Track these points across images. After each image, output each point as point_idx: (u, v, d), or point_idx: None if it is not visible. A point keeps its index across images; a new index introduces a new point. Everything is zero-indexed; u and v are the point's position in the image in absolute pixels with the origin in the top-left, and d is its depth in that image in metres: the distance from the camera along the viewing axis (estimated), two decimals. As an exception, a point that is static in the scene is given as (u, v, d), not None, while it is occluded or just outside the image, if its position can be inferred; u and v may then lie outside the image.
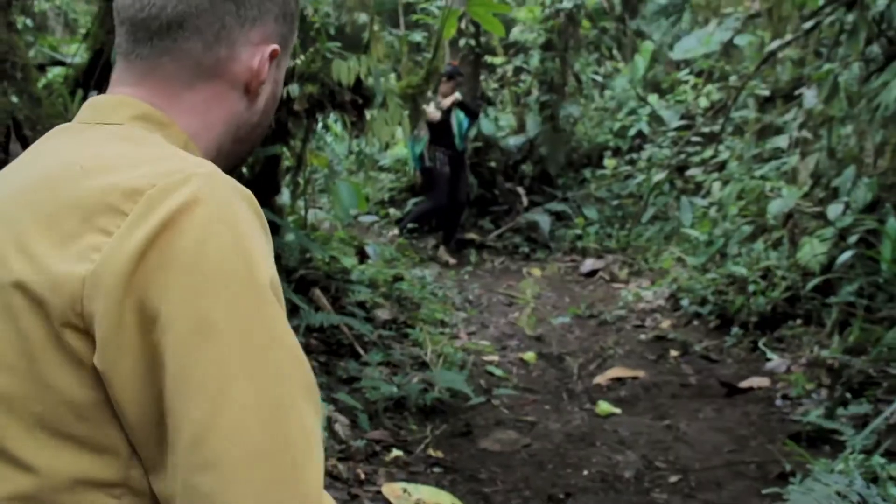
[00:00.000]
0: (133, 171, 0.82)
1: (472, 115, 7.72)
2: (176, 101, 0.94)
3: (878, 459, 2.77)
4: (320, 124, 5.22)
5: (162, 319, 0.76)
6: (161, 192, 0.79)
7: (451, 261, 7.77)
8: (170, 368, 0.76)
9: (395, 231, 8.08)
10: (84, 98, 3.85)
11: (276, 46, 0.98)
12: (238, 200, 0.83)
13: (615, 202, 8.51)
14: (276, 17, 0.98)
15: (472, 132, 7.87)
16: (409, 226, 7.88)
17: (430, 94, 7.70)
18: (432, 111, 7.51)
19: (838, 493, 2.32)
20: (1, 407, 0.79)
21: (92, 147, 0.88)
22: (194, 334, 0.75)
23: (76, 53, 4.17)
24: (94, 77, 3.89)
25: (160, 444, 0.78)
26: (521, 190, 8.61)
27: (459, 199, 7.90)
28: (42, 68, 4.47)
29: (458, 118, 7.62)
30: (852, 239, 5.08)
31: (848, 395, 3.99)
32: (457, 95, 7.61)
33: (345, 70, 3.92)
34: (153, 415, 0.78)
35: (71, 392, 0.78)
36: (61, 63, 4.42)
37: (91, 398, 0.78)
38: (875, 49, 5.88)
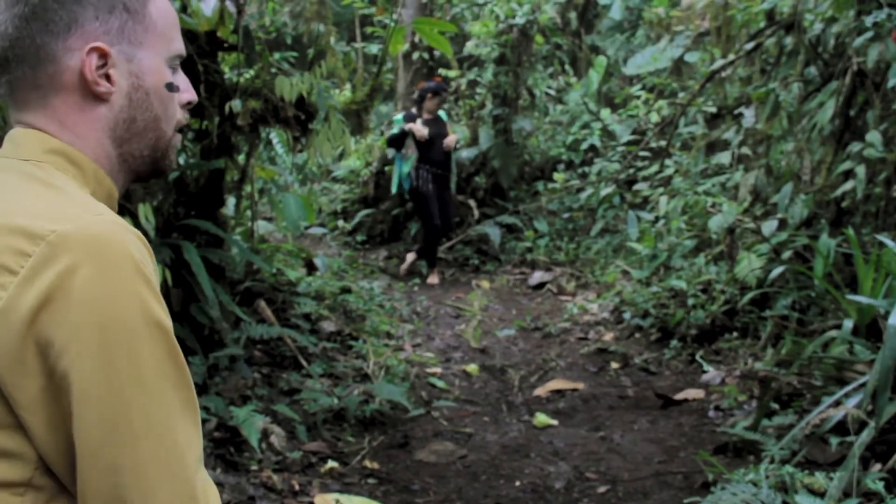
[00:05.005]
0: (36, 215, 0.91)
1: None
2: (49, 123, 1.02)
3: (788, 468, 2.88)
4: (265, 139, 5.26)
5: (67, 358, 0.87)
6: (60, 239, 0.88)
7: (436, 281, 7.69)
8: (75, 396, 0.87)
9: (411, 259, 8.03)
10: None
11: (96, 44, 1.00)
12: (131, 246, 0.92)
13: (566, 215, 8.63)
14: (97, 16, 1.01)
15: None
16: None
17: (413, 110, 7.69)
18: (419, 129, 7.42)
19: (745, 502, 2.42)
20: None
21: (7, 186, 0.97)
22: (96, 370, 0.87)
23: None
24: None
25: (71, 461, 0.89)
26: (472, 202, 8.70)
27: (449, 220, 7.84)
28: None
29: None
30: (786, 254, 5.24)
31: (776, 406, 4.12)
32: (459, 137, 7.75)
33: (287, 87, 3.97)
34: (61, 434, 0.89)
35: None
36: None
37: (1, 412, 0.88)
38: (812, 70, 6.07)
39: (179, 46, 1.10)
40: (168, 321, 0.93)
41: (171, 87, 1.09)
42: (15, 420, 0.89)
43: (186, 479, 0.92)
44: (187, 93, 1.13)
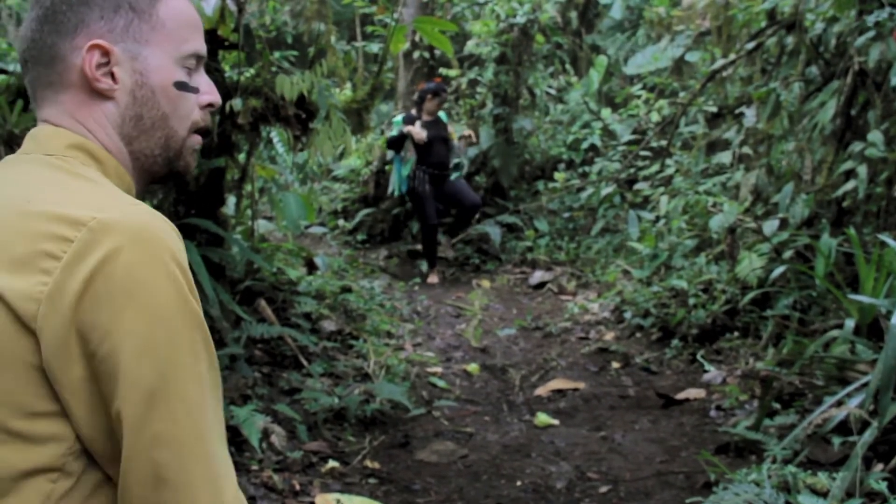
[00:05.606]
0: (74, 203, 0.94)
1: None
2: (63, 119, 1.06)
3: (790, 468, 2.87)
4: (265, 137, 5.25)
5: (110, 341, 0.90)
6: (101, 225, 0.91)
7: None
8: (121, 376, 0.90)
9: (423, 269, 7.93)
10: (24, 109, 3.84)
11: (97, 42, 1.03)
12: (168, 235, 0.95)
13: (567, 214, 8.62)
14: (102, 16, 1.04)
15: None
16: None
17: (413, 111, 7.65)
18: (417, 131, 7.36)
19: (748, 502, 2.41)
20: None
21: (37, 179, 1.00)
22: (138, 352, 0.90)
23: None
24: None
25: (111, 439, 0.92)
26: (473, 202, 8.68)
27: (469, 203, 7.71)
28: (-15, 76, 4.45)
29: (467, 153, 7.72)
30: (787, 254, 5.23)
31: (778, 406, 4.11)
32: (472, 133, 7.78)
33: (287, 85, 3.96)
34: (102, 416, 0.92)
35: (23, 392, 0.90)
36: (3, 71, 4.40)
37: (40, 396, 0.90)
38: (814, 70, 6.06)
39: (195, 46, 1.11)
40: (200, 309, 0.96)
41: (182, 87, 1.10)
42: (55, 406, 0.91)
43: (211, 455, 0.94)
44: (208, 94, 1.14)
